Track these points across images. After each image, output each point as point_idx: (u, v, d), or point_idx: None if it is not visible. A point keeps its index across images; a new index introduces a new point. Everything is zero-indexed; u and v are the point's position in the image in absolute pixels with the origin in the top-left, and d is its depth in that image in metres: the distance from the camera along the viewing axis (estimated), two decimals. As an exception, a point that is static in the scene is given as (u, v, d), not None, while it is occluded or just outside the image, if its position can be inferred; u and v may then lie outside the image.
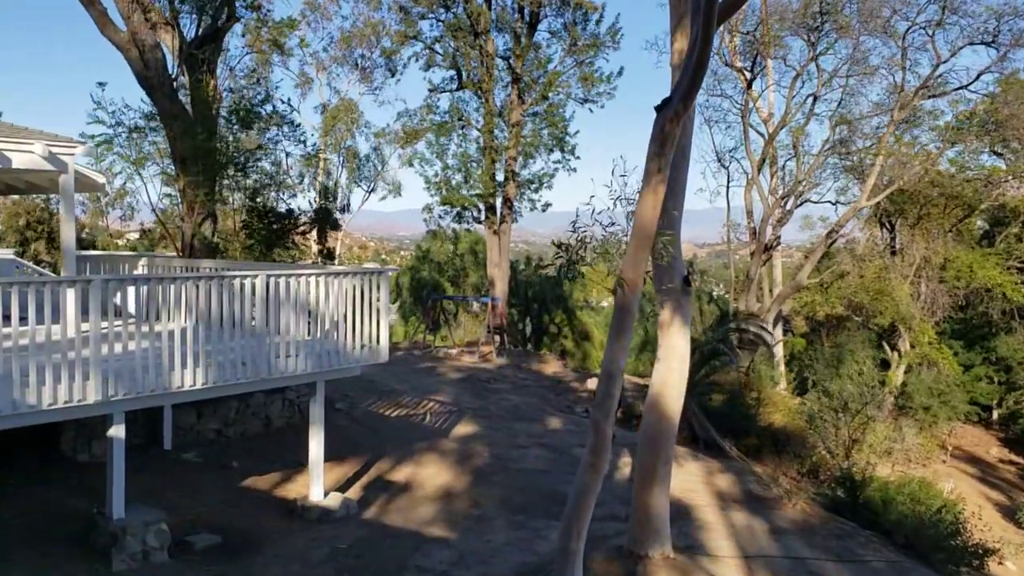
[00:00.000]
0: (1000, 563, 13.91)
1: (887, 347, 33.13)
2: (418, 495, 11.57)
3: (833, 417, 19.16)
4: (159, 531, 8.48)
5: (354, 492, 11.30)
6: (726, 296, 37.45)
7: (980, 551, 13.03)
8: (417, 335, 28.49)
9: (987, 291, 30.54)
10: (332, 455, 12.04)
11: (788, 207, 31.40)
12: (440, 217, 31.68)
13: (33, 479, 10.12)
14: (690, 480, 13.61)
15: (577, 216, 6.74)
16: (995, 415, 36.13)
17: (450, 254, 43.71)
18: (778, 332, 32.54)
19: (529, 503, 11.55)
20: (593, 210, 6.63)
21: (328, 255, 24.30)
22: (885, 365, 32.89)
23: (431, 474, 12.41)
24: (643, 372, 27.75)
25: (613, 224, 6.56)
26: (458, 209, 30.19)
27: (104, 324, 8.14)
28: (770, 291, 33.34)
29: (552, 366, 26.28)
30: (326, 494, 10.61)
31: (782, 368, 31.98)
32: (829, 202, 33.09)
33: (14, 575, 7.74)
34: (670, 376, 8.67)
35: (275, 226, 20.71)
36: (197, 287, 9.18)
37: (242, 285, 9.45)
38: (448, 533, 10.10)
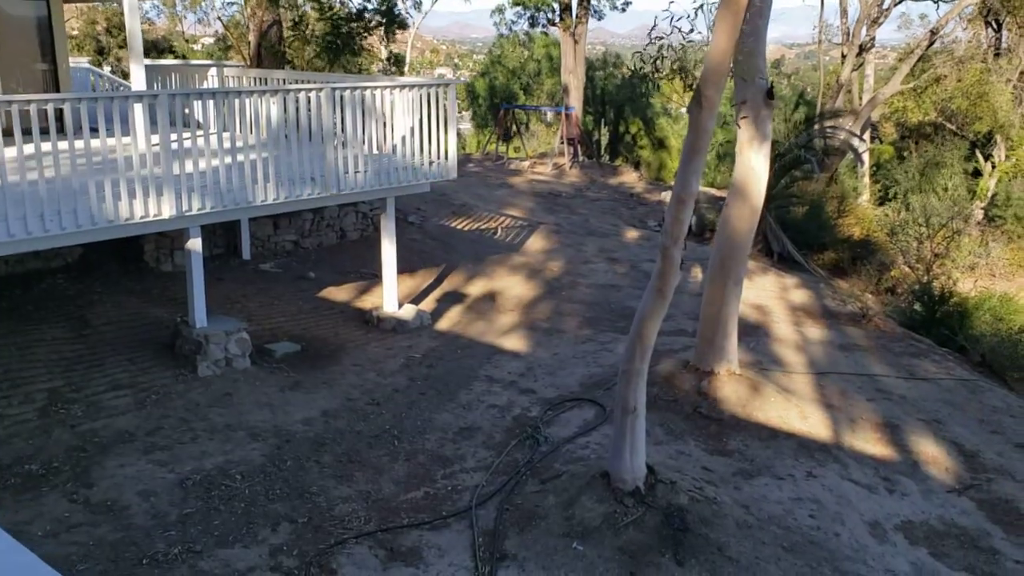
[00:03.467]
0: (1079, 382, 13.64)
1: (980, 156, 31.44)
2: (489, 308, 11.80)
3: (916, 231, 18.58)
4: (240, 339, 8.88)
5: (427, 304, 11.58)
6: (814, 100, 35.56)
7: (1059, 369, 12.79)
8: (489, 146, 28.14)
9: (1098, 96, 28.31)
10: (405, 268, 12.27)
11: (886, 5, 29.03)
12: (512, 21, 30.37)
13: (119, 289, 10.60)
14: (763, 295, 13.51)
15: (656, 24, 6.28)
16: (1092, 228, 34.50)
17: (523, 59, 42.28)
18: (866, 139, 31.08)
19: (598, 317, 11.68)
20: (672, 17, 6.15)
21: (396, 61, 23.66)
22: (977, 175, 31.39)
23: (503, 288, 12.59)
24: (722, 183, 27.11)
25: (693, 31, 6.10)
26: (532, 10, 28.82)
27: (174, 138, 8.17)
28: (860, 96, 31.53)
29: (627, 177, 25.84)
30: (400, 305, 10.89)
31: (867, 179, 30.82)
32: (932, -2, 30.40)
33: (105, 379, 8.27)
34: (746, 194, 8.36)
35: (343, 30, 20.12)
36: (261, 101, 9.07)
37: (308, 99, 9.30)
38: (518, 345, 10.34)
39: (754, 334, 11.15)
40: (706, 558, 5.61)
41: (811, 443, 7.85)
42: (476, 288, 12.49)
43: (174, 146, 8.21)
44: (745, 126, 8.17)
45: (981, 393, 9.98)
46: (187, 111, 9.75)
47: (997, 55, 30.16)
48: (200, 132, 8.78)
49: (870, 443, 8.05)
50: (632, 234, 17.42)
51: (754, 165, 8.22)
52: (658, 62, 6.03)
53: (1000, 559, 6.31)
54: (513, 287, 12.64)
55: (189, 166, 8.37)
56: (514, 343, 10.41)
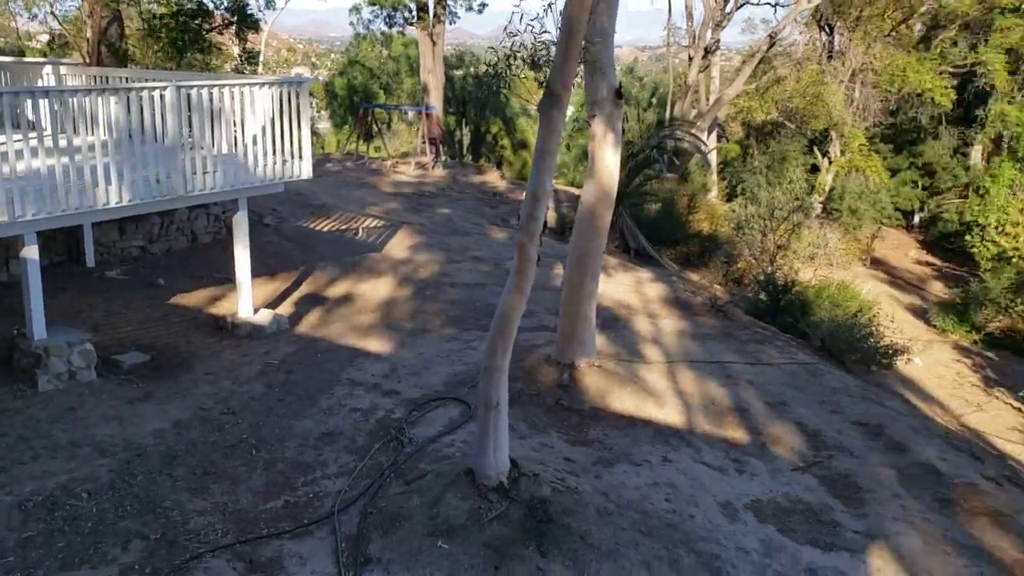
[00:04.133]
0: (908, 361, 14.81)
1: (818, 153, 33.52)
2: (351, 310, 11.62)
3: (760, 224, 19.59)
4: (84, 351, 8.39)
5: (285, 308, 11.29)
6: (665, 101, 36.95)
7: (890, 351, 13.82)
8: (349, 145, 27.71)
9: (918, 96, 30.70)
10: (262, 271, 11.92)
11: (728, 9, 30.50)
12: (369, 20, 30.03)
13: (-52, 302, 9.82)
14: (621, 289, 13.92)
15: (510, 22, 6.35)
16: (916, 219, 37.43)
17: (382, 59, 41.88)
18: (713, 138, 32.56)
19: (463, 315, 11.72)
20: (522, 16, 6.24)
21: (250, 59, 22.89)
22: (816, 171, 33.43)
23: (364, 289, 12.43)
24: (581, 183, 27.73)
25: (546, 32, 6.21)
26: (388, 9, 28.58)
27: (2, 140, 7.63)
28: (707, 97, 32.98)
29: (490, 177, 26.04)
30: (256, 311, 10.56)
31: (715, 176, 32.27)
32: (770, 3, 32.09)
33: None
34: (600, 192, 8.59)
35: (189, 26, 19.27)
36: (102, 100, 8.59)
37: (151, 97, 8.87)
38: (381, 347, 10.23)
39: (613, 327, 11.48)
40: (569, 547, 5.73)
41: (666, 429, 8.15)
42: (337, 290, 12.27)
43: (2, 148, 7.66)
44: (597, 125, 8.39)
45: (821, 375, 10.65)
46: (18, 111, 9.11)
47: (830, 57, 32.23)
48: (34, 133, 8.23)
49: (721, 427, 8.44)
50: (496, 233, 17.57)
51: (607, 163, 8.45)
52: (511, 59, 6.10)
53: (840, 531, 6.74)
54: (376, 288, 12.50)
55: (22, 167, 7.83)
56: (377, 345, 10.30)
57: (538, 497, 6.07)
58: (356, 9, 30.53)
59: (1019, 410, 16.27)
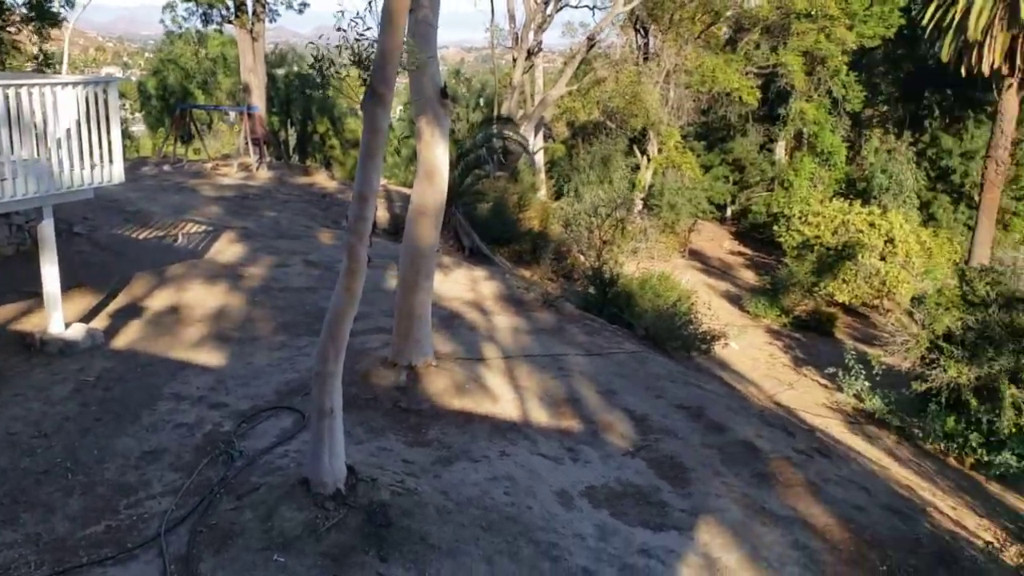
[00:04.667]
0: (726, 345, 15.75)
1: (638, 151, 35.00)
2: (173, 321, 11.05)
3: (587, 220, 20.22)
4: None
5: (100, 322, 10.59)
6: (492, 101, 37.47)
7: (708, 337, 14.66)
8: (166, 148, 26.33)
9: (727, 95, 32.69)
10: (74, 284, 11.12)
11: (549, 12, 31.28)
12: (184, 18, 28.66)
13: None
14: (457, 288, 14.00)
15: (337, 21, 6.26)
16: (729, 212, 39.88)
17: (199, 58, 40.07)
18: (539, 138, 33.31)
19: (294, 321, 11.41)
20: (343, 13, 6.17)
21: (47, 60, 21.26)
22: (637, 169, 34.92)
23: (187, 298, 11.85)
24: (412, 183, 27.63)
25: (369, 29, 6.15)
26: (204, 7, 27.37)
27: None
28: (532, 97, 33.71)
29: (319, 178, 25.48)
30: (68, 325, 9.85)
31: (543, 175, 33.04)
32: (588, 6, 33.18)
33: None
34: (430, 191, 8.61)
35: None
36: None
37: (-67, 97, 8.09)
38: (207, 358, 9.79)
39: (450, 325, 11.52)
40: (409, 549, 5.71)
41: (504, 424, 8.29)
42: (157, 301, 11.63)
43: None
44: (425, 125, 8.40)
45: (646, 363, 11.15)
46: None
47: (646, 59, 33.72)
48: None
49: (556, 418, 8.67)
50: (326, 235, 17.22)
51: (436, 162, 8.48)
52: (331, 61, 6.02)
53: (669, 510, 7.09)
54: (199, 296, 11.95)
55: None
56: (203, 356, 9.85)
57: (377, 502, 6.02)
58: (170, 6, 29.10)
59: (825, 386, 17.68)
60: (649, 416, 8.98)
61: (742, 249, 36.56)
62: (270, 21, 27.56)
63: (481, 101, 42.46)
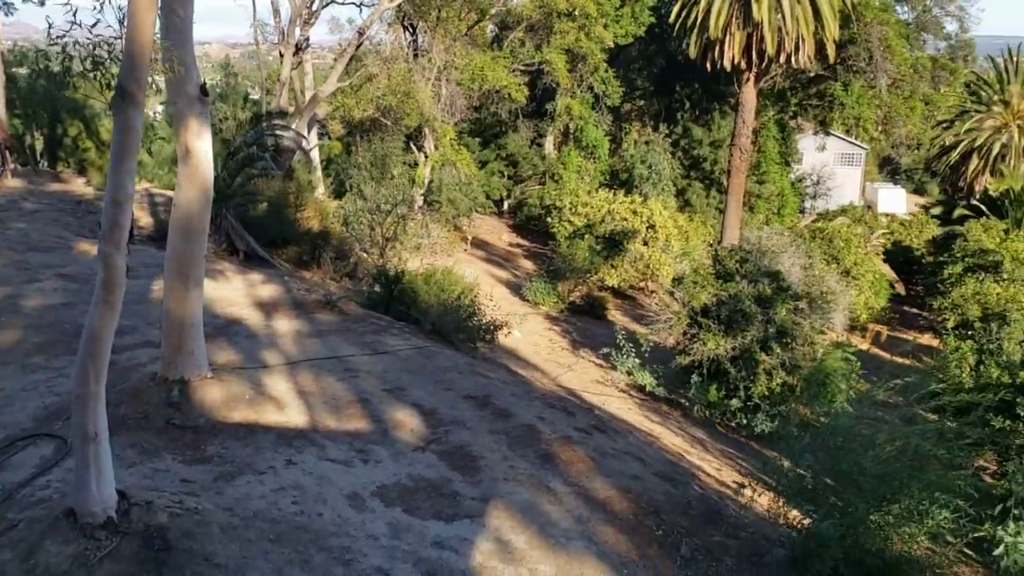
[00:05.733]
0: (508, 334, 16.22)
1: (415, 148, 35.16)
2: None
3: (368, 218, 20.08)
4: None
5: None
6: (261, 99, 36.16)
7: (491, 327, 15.04)
8: None
9: (497, 92, 33.57)
10: None
11: (315, 7, 30.66)
12: None
13: None
14: (233, 294, 13.41)
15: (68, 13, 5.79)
16: (506, 205, 41.05)
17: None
18: (314, 136, 32.60)
19: (51, 341, 10.44)
20: (76, 10, 5.74)
21: None
22: (416, 165, 35.08)
23: (-84, 323, 10.53)
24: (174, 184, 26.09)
25: (110, 27, 5.77)
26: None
27: None
28: (303, 94, 32.90)
29: (73, 184, 23.52)
30: None
31: (319, 173, 32.39)
32: (354, 3, 32.82)
33: None
34: (194, 192, 8.17)
35: None
36: None
37: None
38: (-55, 389, 8.76)
39: (227, 334, 11.02)
40: (192, 571, 5.43)
41: (290, 432, 8.06)
42: None
43: None
44: (184, 124, 7.97)
45: (433, 357, 11.26)
46: None
47: (416, 56, 33.88)
48: None
49: (344, 420, 8.55)
50: (84, 245, 15.91)
51: (199, 162, 8.07)
52: (66, 62, 5.59)
53: (461, 500, 7.21)
54: (-69, 321, 10.66)
55: None
56: (-61, 387, 8.79)
57: (154, 526, 5.67)
58: None
59: (600, 366, 18.68)
60: (438, 409, 9.08)
61: (520, 241, 37.79)
62: (6, 15, 24.96)
63: (250, 98, 40.86)
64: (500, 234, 38.56)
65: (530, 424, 8.95)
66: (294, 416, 8.45)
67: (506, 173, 39.40)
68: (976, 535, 7.46)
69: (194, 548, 5.63)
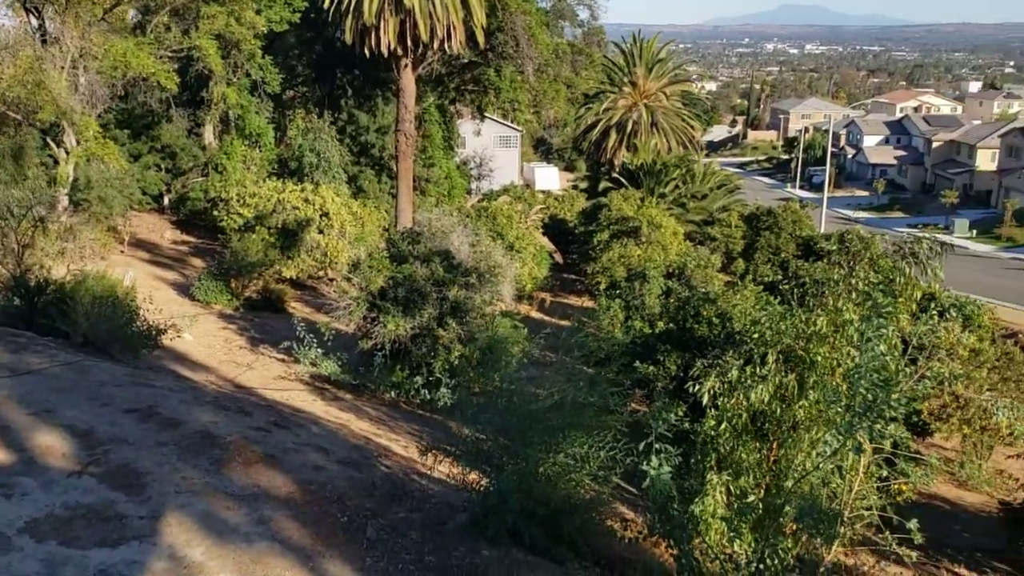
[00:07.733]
0: (174, 338, 15.21)
1: (53, 144, 31.63)
2: None
3: (0, 224, 17.78)
4: None
5: None
6: None
7: (154, 332, 14.04)
8: None
9: (144, 80, 31.17)
10: None
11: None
12: None
13: None
14: None
15: None
16: (166, 200, 38.36)
17: None
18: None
19: None
20: None
21: None
22: (58, 163, 31.57)
23: None
24: None
25: None
26: None
27: None
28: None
29: None
30: None
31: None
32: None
33: None
34: None
35: None
36: None
37: None
38: None
39: None
40: None
41: (-94, 478, 6.94)
42: None
43: None
44: None
45: (87, 372, 10.28)
46: None
47: (45, 43, 30.36)
48: None
49: (-22, 455, 7.53)
50: None
51: None
52: None
53: (127, 521, 6.67)
54: None
55: None
56: None
57: None
58: None
59: (283, 360, 18.26)
60: (95, 428, 8.30)
61: (186, 237, 35.61)
62: None
63: None
64: (163, 232, 36.00)
65: (202, 430, 8.51)
66: (-88, 459, 7.29)
67: (163, 166, 36.78)
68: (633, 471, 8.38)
69: None
